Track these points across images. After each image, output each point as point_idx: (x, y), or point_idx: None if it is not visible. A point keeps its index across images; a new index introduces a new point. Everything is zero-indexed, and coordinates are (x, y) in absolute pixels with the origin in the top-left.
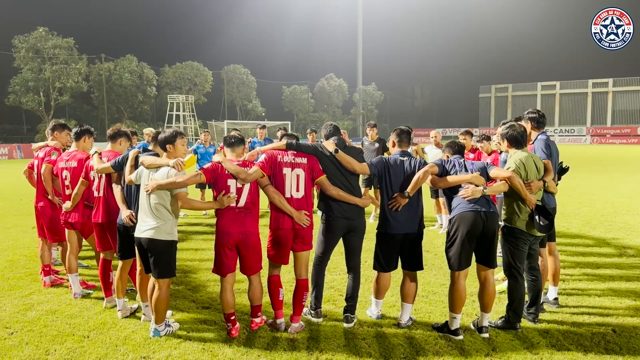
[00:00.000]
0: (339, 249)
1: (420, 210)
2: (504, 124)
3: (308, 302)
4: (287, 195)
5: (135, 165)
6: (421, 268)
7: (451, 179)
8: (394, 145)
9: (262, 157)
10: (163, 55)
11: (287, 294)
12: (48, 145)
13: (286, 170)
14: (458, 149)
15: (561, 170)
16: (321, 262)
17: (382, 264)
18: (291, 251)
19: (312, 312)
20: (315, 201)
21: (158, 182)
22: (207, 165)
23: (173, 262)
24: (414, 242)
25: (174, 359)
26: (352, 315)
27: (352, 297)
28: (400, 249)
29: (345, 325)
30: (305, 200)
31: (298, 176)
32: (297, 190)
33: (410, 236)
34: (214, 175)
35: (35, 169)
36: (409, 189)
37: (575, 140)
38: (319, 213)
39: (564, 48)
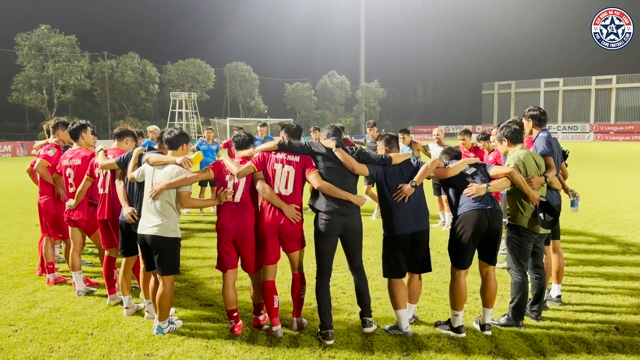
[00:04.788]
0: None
1: (426, 208)
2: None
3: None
4: (275, 191)
5: (139, 164)
6: (430, 270)
7: (453, 165)
8: (386, 152)
9: (257, 154)
10: (165, 52)
11: (288, 291)
12: (48, 143)
13: (277, 166)
14: (455, 155)
15: (562, 156)
16: (321, 273)
17: (394, 268)
18: (284, 252)
19: (321, 334)
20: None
21: (168, 183)
22: (213, 163)
23: (177, 259)
24: (422, 242)
25: (178, 356)
26: (370, 319)
27: (363, 300)
28: (410, 250)
29: (364, 329)
30: (293, 198)
31: (288, 173)
32: (286, 187)
33: (418, 236)
34: (218, 171)
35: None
36: (415, 179)
37: (579, 137)
38: (309, 210)
39: (567, 45)
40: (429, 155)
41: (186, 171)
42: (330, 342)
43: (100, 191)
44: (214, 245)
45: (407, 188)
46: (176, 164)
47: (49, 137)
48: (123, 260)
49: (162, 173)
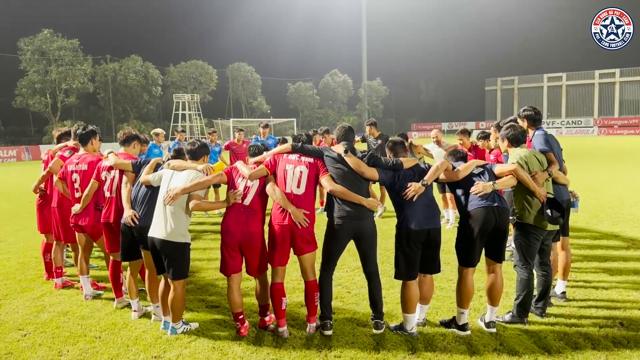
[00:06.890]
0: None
1: (437, 207)
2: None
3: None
4: (287, 190)
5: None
6: (439, 270)
7: (463, 167)
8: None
9: (269, 158)
10: (167, 54)
11: (295, 292)
12: (68, 146)
13: (289, 167)
14: (461, 156)
15: None
16: (326, 269)
17: (408, 270)
18: (296, 255)
19: (321, 325)
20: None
21: (183, 188)
22: (227, 167)
23: (187, 263)
24: (436, 241)
25: (185, 358)
26: (381, 322)
27: (375, 304)
28: (423, 249)
29: (374, 331)
30: (305, 198)
31: (301, 172)
32: (298, 186)
33: (432, 233)
34: (231, 175)
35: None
36: (426, 178)
37: (583, 131)
38: (320, 210)
39: (570, 39)
40: (431, 156)
41: (202, 176)
42: (329, 332)
43: (107, 194)
44: (219, 247)
45: (418, 186)
46: (197, 170)
47: (60, 142)
48: (129, 264)
49: (178, 177)
